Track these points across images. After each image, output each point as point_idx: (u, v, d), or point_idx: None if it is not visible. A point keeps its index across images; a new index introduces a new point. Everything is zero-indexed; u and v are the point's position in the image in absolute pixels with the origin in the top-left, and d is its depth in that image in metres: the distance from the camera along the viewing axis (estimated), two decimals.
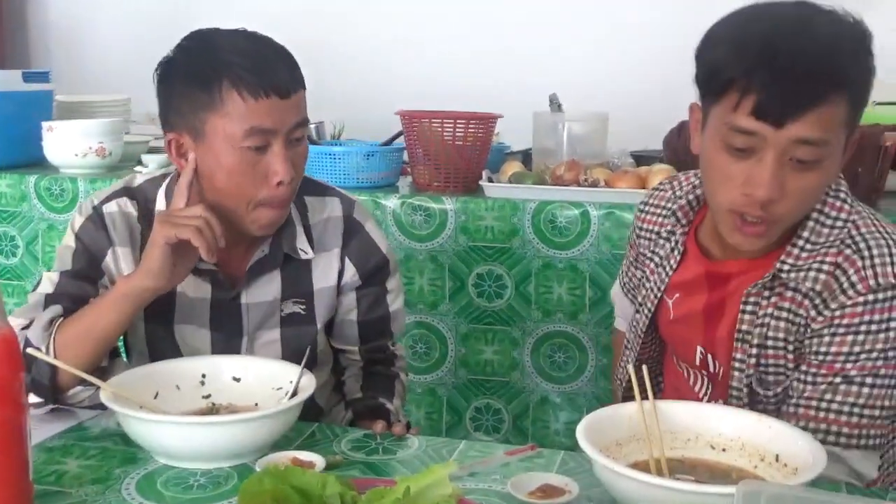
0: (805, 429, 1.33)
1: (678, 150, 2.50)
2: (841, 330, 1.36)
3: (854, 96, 1.32)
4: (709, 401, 1.55)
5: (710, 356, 1.53)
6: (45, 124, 2.81)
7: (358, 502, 1.10)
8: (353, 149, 2.68)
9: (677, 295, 1.56)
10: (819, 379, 1.38)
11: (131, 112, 3.31)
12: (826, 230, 1.41)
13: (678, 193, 1.61)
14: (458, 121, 2.55)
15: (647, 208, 1.66)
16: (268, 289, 1.66)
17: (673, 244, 1.57)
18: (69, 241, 1.62)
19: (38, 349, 1.46)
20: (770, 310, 1.43)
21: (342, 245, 1.70)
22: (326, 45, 3.41)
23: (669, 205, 1.61)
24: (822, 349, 1.38)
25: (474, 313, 2.53)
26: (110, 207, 1.62)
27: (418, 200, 2.52)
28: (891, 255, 1.37)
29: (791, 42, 1.28)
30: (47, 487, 1.28)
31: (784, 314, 1.42)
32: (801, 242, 1.41)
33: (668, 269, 1.57)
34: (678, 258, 1.55)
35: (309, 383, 1.44)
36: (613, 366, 1.90)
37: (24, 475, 1.14)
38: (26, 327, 1.51)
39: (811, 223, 1.41)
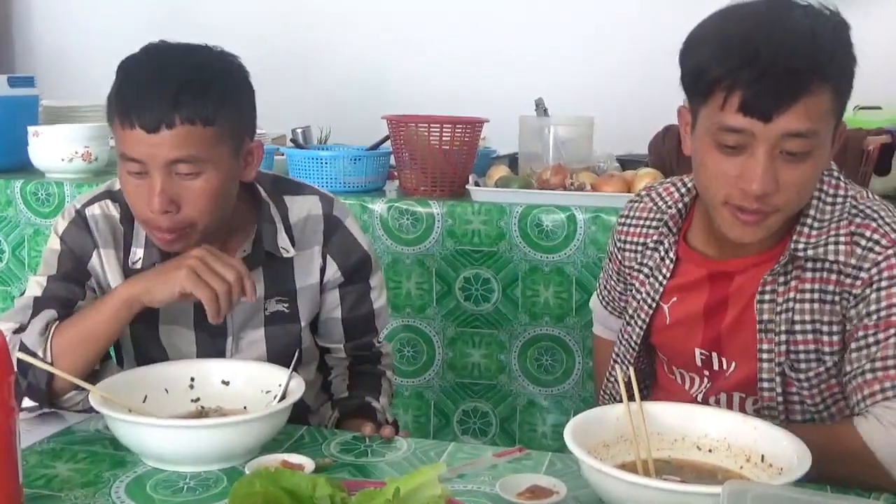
0: (885, 391, 1.34)
1: (663, 154, 2.52)
2: (884, 283, 1.37)
3: (837, 85, 1.34)
4: (705, 396, 1.56)
5: (713, 354, 1.53)
6: (30, 129, 2.80)
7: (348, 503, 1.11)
8: (339, 153, 2.69)
9: (674, 299, 1.56)
10: (881, 335, 1.37)
11: None
12: (829, 207, 1.44)
13: (661, 205, 1.61)
14: (445, 125, 2.56)
15: (628, 221, 1.66)
16: None
17: (663, 253, 1.57)
18: (54, 244, 1.62)
19: (35, 354, 1.47)
20: (792, 294, 1.43)
21: (323, 242, 1.71)
22: (313, 50, 3.42)
23: (653, 215, 1.61)
24: (873, 308, 1.38)
25: (461, 317, 2.54)
26: (93, 210, 1.63)
27: (405, 205, 2.52)
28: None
29: (771, 37, 1.31)
30: (37, 491, 1.28)
31: (808, 295, 1.43)
32: (809, 221, 1.43)
33: (661, 277, 1.56)
34: (671, 266, 1.56)
35: (298, 386, 1.45)
36: (595, 372, 1.90)
37: (13, 479, 1.14)
38: (18, 331, 1.51)
39: (814, 202, 1.43)
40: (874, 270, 1.38)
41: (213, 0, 3.55)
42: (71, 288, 1.58)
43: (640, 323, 1.59)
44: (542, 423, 2.55)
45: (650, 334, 1.61)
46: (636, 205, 1.67)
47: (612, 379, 1.65)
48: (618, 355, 1.66)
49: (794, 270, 1.44)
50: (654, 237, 1.60)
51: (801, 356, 1.44)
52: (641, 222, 1.63)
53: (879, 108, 2.70)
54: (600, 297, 1.79)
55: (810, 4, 1.36)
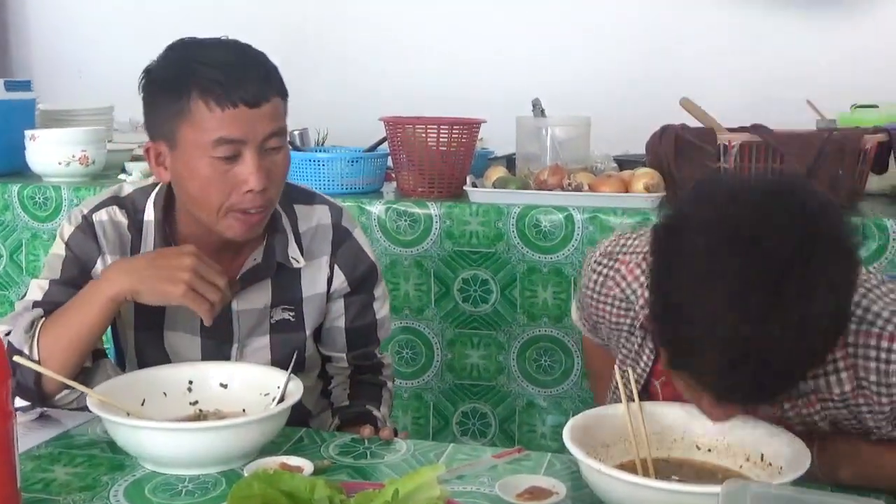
0: None
1: (660, 153, 2.51)
2: None
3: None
4: None
5: None
6: (27, 133, 2.80)
7: None
8: (337, 155, 2.69)
9: (663, 378, 1.48)
10: None
11: (114, 120, 3.30)
12: None
13: (627, 291, 1.50)
14: (442, 126, 2.56)
15: (595, 296, 1.55)
16: (259, 296, 1.66)
17: (640, 340, 1.48)
18: (58, 249, 1.62)
19: (21, 352, 1.46)
20: (817, 406, 1.34)
21: (331, 252, 1.70)
22: (310, 52, 3.43)
23: (622, 296, 1.50)
24: None
25: (460, 318, 2.54)
26: (100, 216, 1.62)
27: (403, 206, 2.52)
28: None
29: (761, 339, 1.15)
30: (35, 495, 1.28)
31: (831, 404, 1.33)
32: None
33: (643, 364, 1.48)
34: (651, 356, 1.47)
35: (296, 388, 1.45)
36: (590, 374, 1.87)
37: (11, 483, 1.14)
38: (9, 333, 1.51)
39: None
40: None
41: (209, 5, 3.56)
42: (72, 293, 1.57)
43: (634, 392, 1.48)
44: (542, 423, 2.54)
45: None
46: (601, 279, 1.54)
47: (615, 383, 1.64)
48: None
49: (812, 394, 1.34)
50: (628, 321, 1.50)
51: (852, 431, 1.36)
52: (609, 301, 1.53)
53: (876, 106, 2.70)
54: (582, 323, 1.70)
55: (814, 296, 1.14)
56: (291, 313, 1.69)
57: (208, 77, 1.47)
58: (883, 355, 1.27)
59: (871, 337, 1.27)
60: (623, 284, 1.51)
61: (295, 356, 1.54)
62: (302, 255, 1.67)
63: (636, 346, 1.49)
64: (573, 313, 1.79)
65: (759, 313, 1.12)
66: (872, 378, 1.28)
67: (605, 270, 1.54)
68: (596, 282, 1.55)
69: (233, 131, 1.47)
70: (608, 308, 1.53)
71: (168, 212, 1.63)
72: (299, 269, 1.68)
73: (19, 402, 1.51)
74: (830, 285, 1.14)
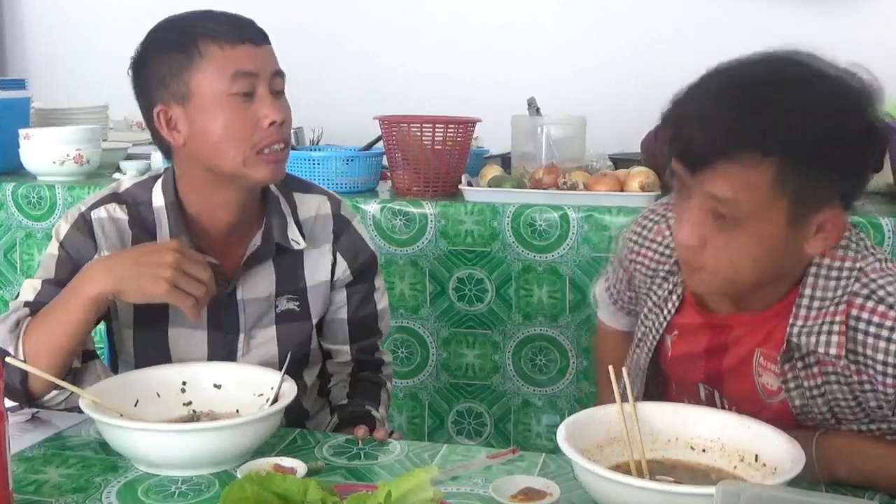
0: None
1: (656, 152, 2.51)
2: None
3: (792, 164, 1.25)
4: None
5: (716, 392, 1.50)
6: (21, 132, 2.79)
7: None
8: (332, 154, 2.68)
9: (676, 332, 1.52)
10: None
11: (109, 119, 3.29)
12: (832, 283, 1.34)
13: (670, 239, 1.54)
14: (437, 125, 2.56)
15: (641, 240, 1.60)
16: (262, 283, 1.66)
17: (672, 286, 1.52)
18: (53, 249, 1.61)
19: (7, 352, 1.46)
20: (819, 380, 1.35)
21: (333, 241, 1.72)
22: (305, 51, 3.41)
23: (667, 242, 1.55)
24: None
25: (455, 317, 2.54)
26: (99, 213, 1.62)
27: (398, 205, 2.52)
28: None
29: (719, 94, 1.28)
30: (27, 497, 1.27)
31: (833, 378, 1.35)
32: (805, 301, 1.35)
33: (666, 312, 1.52)
34: (677, 303, 1.51)
35: (290, 389, 1.44)
36: (597, 365, 1.88)
37: (3, 485, 1.13)
38: None
39: (811, 278, 1.35)
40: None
41: (203, 4, 3.55)
42: None
43: (646, 349, 1.56)
44: (537, 423, 2.54)
45: (658, 360, 1.57)
46: (652, 224, 1.60)
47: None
48: (630, 371, 1.60)
49: (812, 355, 1.36)
50: (666, 267, 1.55)
51: (854, 425, 1.37)
52: (655, 246, 1.58)
53: None
54: (609, 293, 1.75)
55: (829, 75, 1.28)
56: (296, 303, 1.69)
57: (212, 24, 1.54)
58: (894, 335, 1.28)
59: (877, 315, 1.29)
60: (667, 232, 1.56)
61: (289, 357, 1.54)
62: (304, 239, 1.68)
63: (666, 292, 1.53)
64: (597, 288, 1.81)
65: (748, 81, 1.28)
66: (880, 357, 1.29)
67: (657, 217, 1.61)
68: (645, 227, 1.61)
69: (246, 64, 1.53)
70: (650, 253, 1.58)
71: (175, 196, 1.62)
72: (301, 255, 1.68)
73: (8, 403, 1.50)
74: (823, 93, 1.26)
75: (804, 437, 1.32)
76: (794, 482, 1.16)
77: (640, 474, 1.28)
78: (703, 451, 1.33)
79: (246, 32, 1.55)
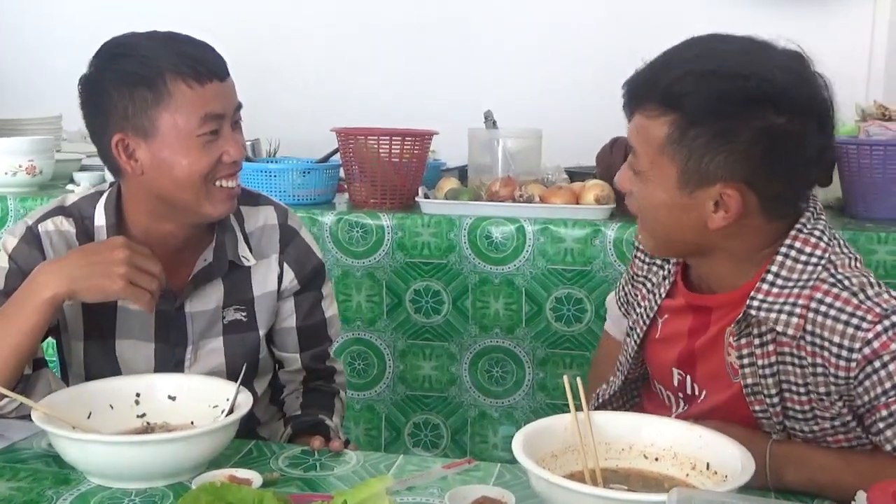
0: None
1: (611, 165, 2.54)
2: (887, 358, 1.27)
3: (689, 123, 1.31)
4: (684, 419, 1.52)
5: (688, 378, 1.52)
6: None
7: None
8: (289, 166, 2.68)
9: (666, 316, 1.56)
10: None
11: (63, 130, 3.26)
12: (800, 266, 1.36)
13: None
14: (394, 137, 2.56)
15: None
16: (210, 297, 1.66)
17: (666, 272, 1.57)
18: (2, 261, 1.59)
19: None
20: (773, 358, 1.37)
21: (279, 251, 1.72)
22: (262, 62, 3.41)
23: None
24: (888, 385, 1.28)
25: (412, 329, 2.54)
26: (46, 226, 1.61)
27: (355, 217, 2.52)
28: (879, 285, 1.33)
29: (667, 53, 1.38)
30: None
31: (789, 359, 1.36)
32: (770, 277, 1.36)
33: (658, 295, 1.57)
34: (668, 287, 1.56)
35: (245, 400, 1.44)
36: (592, 367, 1.91)
37: None
38: None
39: (780, 258, 1.37)
40: (867, 350, 1.28)
41: (159, 15, 3.53)
42: None
43: (638, 332, 1.59)
44: (494, 434, 2.55)
45: (644, 346, 1.60)
46: None
47: (605, 384, 1.68)
48: (620, 363, 1.66)
49: (756, 329, 1.37)
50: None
51: (800, 415, 1.38)
52: None
53: None
54: (617, 298, 1.78)
55: (779, 50, 1.36)
56: (244, 313, 1.69)
57: (177, 58, 1.50)
58: (854, 320, 1.29)
59: (840, 300, 1.31)
60: None
61: (244, 368, 1.53)
62: (251, 253, 1.68)
63: (661, 278, 1.58)
64: (610, 298, 1.84)
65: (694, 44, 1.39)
66: (836, 339, 1.30)
67: None
68: None
69: (215, 106, 1.53)
70: None
71: (118, 216, 1.62)
72: (249, 269, 1.69)
73: None
74: (742, 67, 1.31)
75: (759, 440, 1.36)
76: (745, 489, 1.18)
77: (595, 482, 1.29)
78: (657, 459, 1.35)
79: (211, 67, 1.53)
